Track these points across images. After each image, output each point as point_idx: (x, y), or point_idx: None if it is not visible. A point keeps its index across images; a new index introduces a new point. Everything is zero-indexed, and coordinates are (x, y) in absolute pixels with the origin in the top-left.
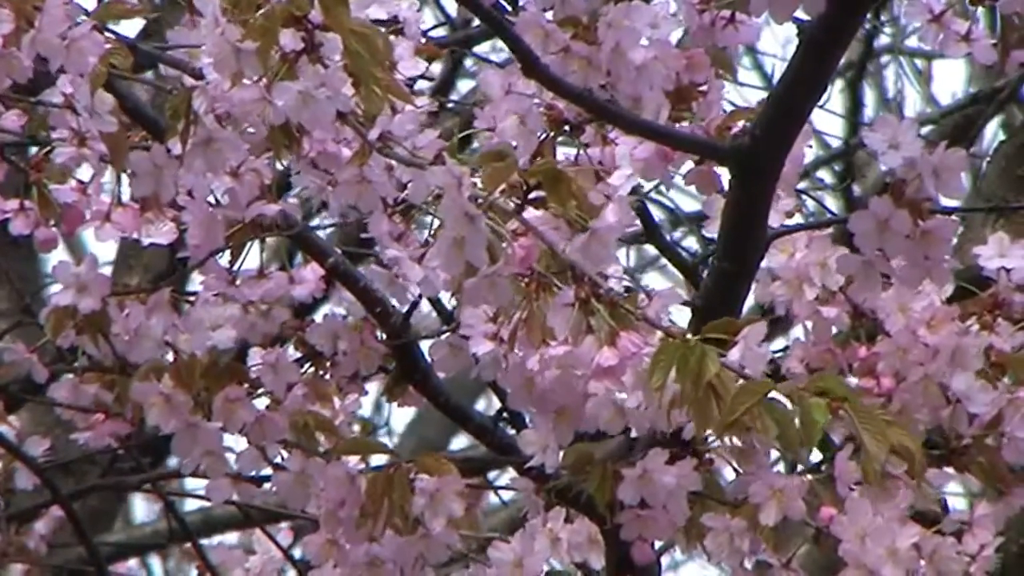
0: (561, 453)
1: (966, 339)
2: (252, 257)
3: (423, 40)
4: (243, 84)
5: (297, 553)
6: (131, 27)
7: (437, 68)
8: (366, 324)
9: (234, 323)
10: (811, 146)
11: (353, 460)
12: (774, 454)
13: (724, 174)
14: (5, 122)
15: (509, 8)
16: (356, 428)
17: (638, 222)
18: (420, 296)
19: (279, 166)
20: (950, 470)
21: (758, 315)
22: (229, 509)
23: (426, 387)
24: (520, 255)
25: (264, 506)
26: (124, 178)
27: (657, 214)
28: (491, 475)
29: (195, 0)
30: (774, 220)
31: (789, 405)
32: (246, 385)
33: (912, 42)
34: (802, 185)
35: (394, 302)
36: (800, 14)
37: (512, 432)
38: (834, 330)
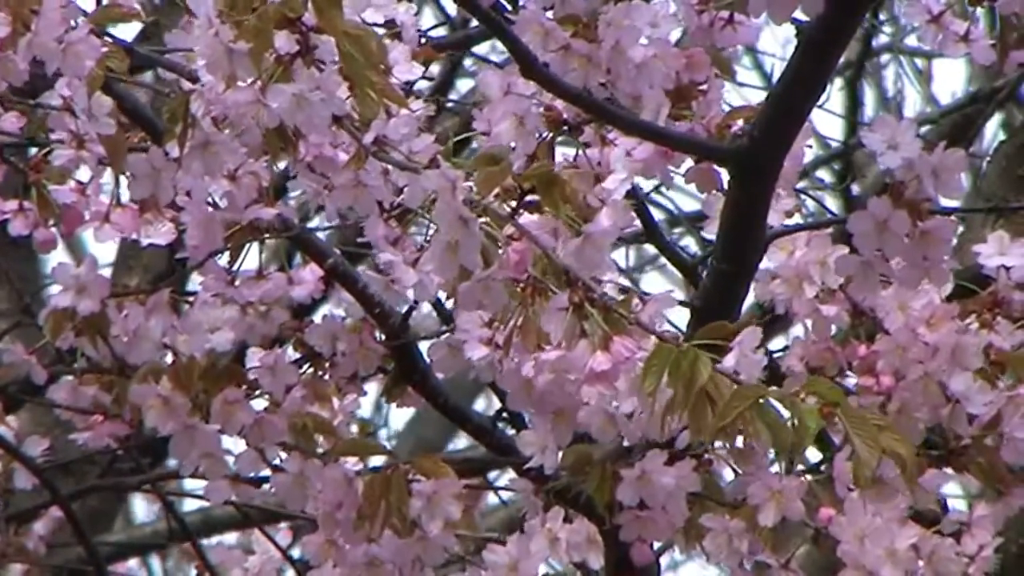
0: (560, 454)
1: (966, 337)
2: (251, 258)
3: (422, 41)
4: (237, 86)
5: (296, 553)
6: (130, 29)
7: (436, 68)
8: (365, 325)
9: (232, 325)
10: (811, 146)
11: (351, 462)
12: (772, 454)
13: (724, 172)
14: (4, 124)
15: (509, 7)
16: (354, 429)
17: (638, 222)
18: (416, 302)
19: (277, 168)
20: (949, 470)
21: (757, 314)
22: (228, 509)
23: (425, 387)
24: (514, 259)
25: (264, 506)
26: (123, 179)
27: (655, 214)
28: (490, 475)
29: (190, 2)
30: (774, 219)
31: (782, 409)
32: (244, 387)
33: (912, 41)
34: (802, 185)
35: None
36: (799, 14)
37: (511, 432)
38: (834, 328)
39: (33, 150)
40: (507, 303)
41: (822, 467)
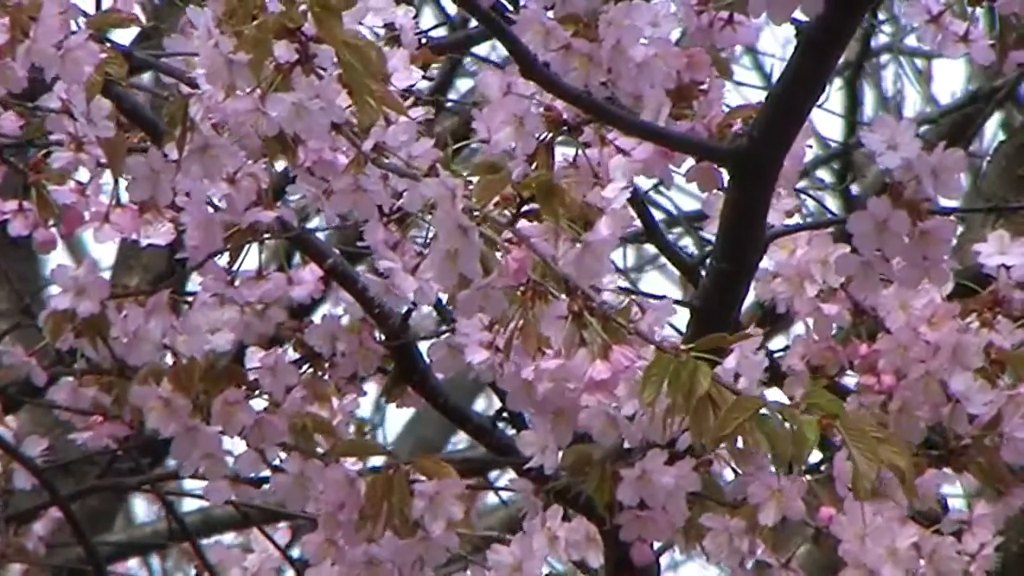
0: (560, 454)
1: (967, 336)
2: (251, 258)
3: (423, 41)
4: (237, 95)
5: (295, 552)
6: (130, 30)
7: (436, 68)
8: (364, 325)
9: (232, 326)
10: (811, 146)
11: (351, 462)
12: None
13: (724, 171)
14: (3, 125)
15: (510, 7)
16: (352, 428)
17: (638, 222)
18: (415, 303)
19: (276, 169)
20: (949, 470)
21: (758, 314)
22: (228, 509)
23: (425, 388)
24: (513, 267)
25: (264, 506)
26: (122, 180)
27: (654, 214)
28: (490, 475)
29: (189, 12)
30: (774, 219)
31: (782, 419)
32: (244, 387)
33: (911, 41)
34: (802, 185)
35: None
36: (799, 14)
37: (512, 432)
38: (835, 327)
39: (33, 150)
40: (507, 307)
41: (822, 467)
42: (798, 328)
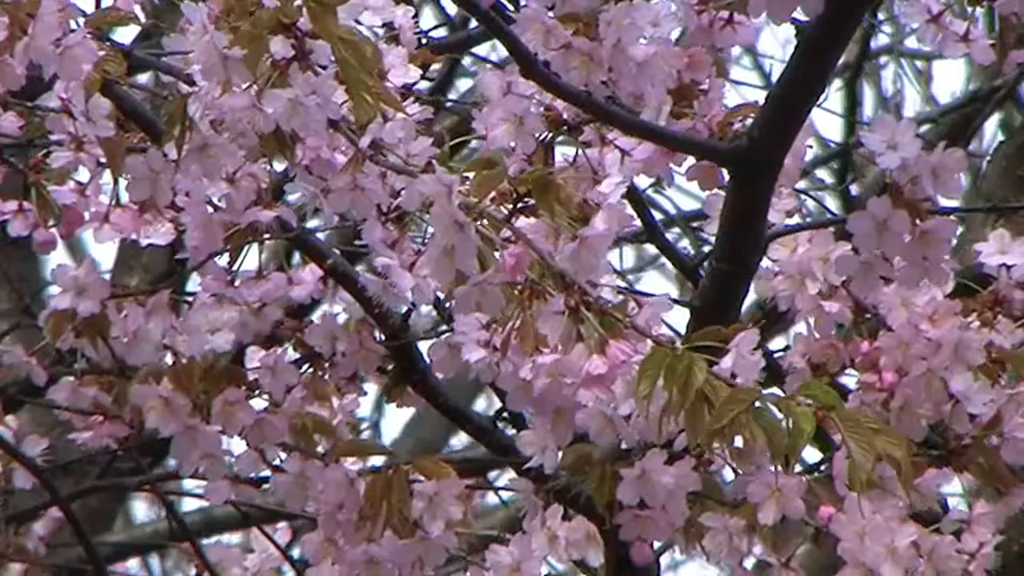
0: (560, 454)
1: (968, 333)
2: (251, 258)
3: (423, 42)
4: (233, 91)
5: (295, 552)
6: (130, 29)
7: (435, 68)
8: (364, 325)
9: (232, 326)
10: (811, 146)
11: (351, 462)
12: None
13: (725, 171)
14: (3, 125)
15: (510, 7)
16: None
17: (638, 222)
18: (415, 303)
19: (276, 170)
20: (949, 470)
21: (758, 313)
22: (229, 509)
23: (425, 388)
24: (510, 263)
25: (264, 505)
26: (122, 179)
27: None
28: (490, 475)
29: (184, 7)
30: (774, 218)
31: (777, 413)
32: (244, 387)
33: (911, 43)
34: (802, 185)
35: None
36: (799, 14)
37: (512, 432)
38: (836, 325)
39: (33, 151)
40: (505, 306)
41: (822, 466)
42: (798, 328)
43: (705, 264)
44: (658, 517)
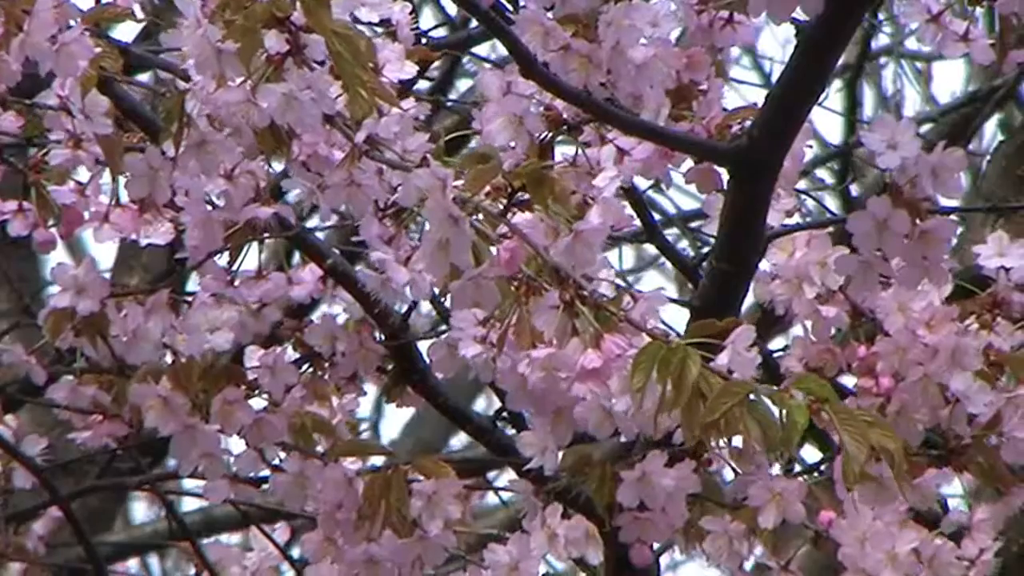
0: (560, 455)
1: (965, 339)
2: (251, 258)
3: (423, 41)
4: (228, 86)
5: (295, 552)
6: (130, 28)
7: (436, 67)
8: (364, 325)
9: (231, 326)
10: (811, 146)
11: (350, 461)
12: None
13: (724, 172)
14: (3, 124)
15: (510, 7)
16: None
17: (637, 222)
18: (415, 302)
19: (275, 168)
20: (949, 470)
21: (757, 315)
22: (228, 509)
23: (425, 387)
24: (505, 257)
25: (264, 504)
26: (122, 178)
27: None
28: (490, 475)
29: (177, 1)
30: (774, 219)
31: (772, 406)
32: (244, 387)
33: (911, 43)
34: (802, 185)
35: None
36: (799, 14)
37: (512, 432)
38: (833, 329)
39: (33, 150)
40: (502, 302)
41: (821, 466)
42: (797, 330)
43: (705, 264)
44: (658, 519)
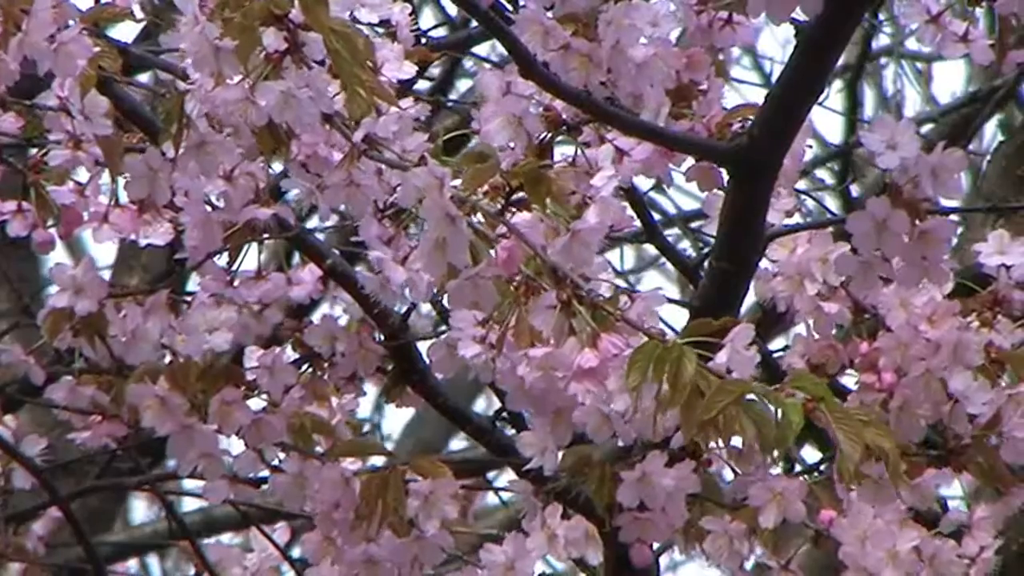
0: (560, 455)
1: (967, 334)
2: (251, 258)
3: (423, 41)
4: (226, 84)
5: (294, 552)
6: (130, 28)
7: (436, 67)
8: (364, 325)
9: (231, 326)
10: (811, 146)
11: (349, 462)
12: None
13: (724, 171)
14: (2, 124)
15: (510, 7)
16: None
17: (638, 222)
18: (414, 303)
19: (275, 168)
20: (949, 470)
21: (758, 313)
22: (228, 509)
23: (424, 388)
24: (503, 257)
25: (263, 505)
26: (121, 179)
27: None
28: (490, 475)
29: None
30: (774, 218)
31: (768, 405)
32: (243, 387)
33: (911, 44)
34: (802, 185)
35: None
36: (798, 14)
37: (512, 432)
38: (835, 326)
39: (32, 150)
40: (501, 302)
41: (821, 466)
42: (798, 329)
43: (705, 264)
44: (658, 519)
